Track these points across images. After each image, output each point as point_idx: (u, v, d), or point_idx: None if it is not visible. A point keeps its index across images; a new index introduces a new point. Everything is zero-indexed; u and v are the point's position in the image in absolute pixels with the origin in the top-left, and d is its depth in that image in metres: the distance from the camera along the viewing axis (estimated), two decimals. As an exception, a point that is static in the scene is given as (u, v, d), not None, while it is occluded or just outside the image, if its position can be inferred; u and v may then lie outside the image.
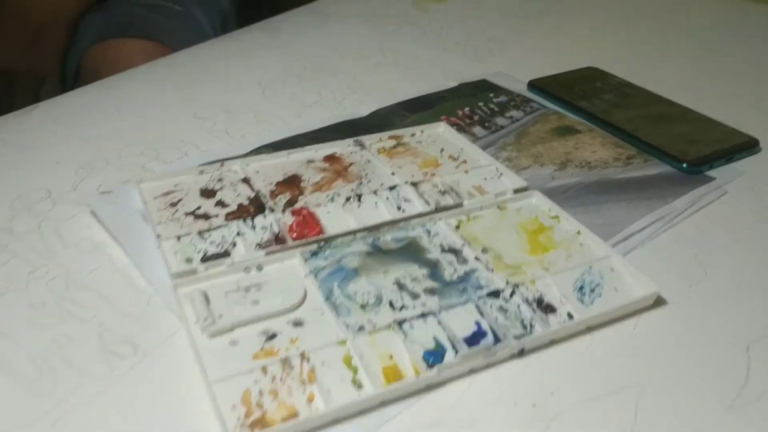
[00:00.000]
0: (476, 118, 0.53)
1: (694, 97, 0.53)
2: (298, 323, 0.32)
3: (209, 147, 0.46)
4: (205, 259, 0.35)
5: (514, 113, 0.54)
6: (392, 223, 0.39)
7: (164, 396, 0.27)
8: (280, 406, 0.27)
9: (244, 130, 0.49)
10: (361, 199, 0.41)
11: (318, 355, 0.30)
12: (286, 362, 0.29)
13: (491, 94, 0.56)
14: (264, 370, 0.28)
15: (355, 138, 0.47)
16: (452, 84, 0.57)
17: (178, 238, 0.36)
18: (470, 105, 0.54)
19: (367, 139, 0.48)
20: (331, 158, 0.46)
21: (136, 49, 0.55)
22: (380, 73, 0.59)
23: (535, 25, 0.67)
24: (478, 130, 0.51)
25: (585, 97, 0.54)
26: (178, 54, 0.58)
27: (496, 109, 0.54)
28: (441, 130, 0.50)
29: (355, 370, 0.29)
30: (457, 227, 0.39)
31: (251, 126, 0.49)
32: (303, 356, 0.29)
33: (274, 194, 0.42)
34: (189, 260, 0.34)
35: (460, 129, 0.51)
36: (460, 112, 0.53)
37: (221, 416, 0.26)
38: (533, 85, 0.56)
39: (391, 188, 0.42)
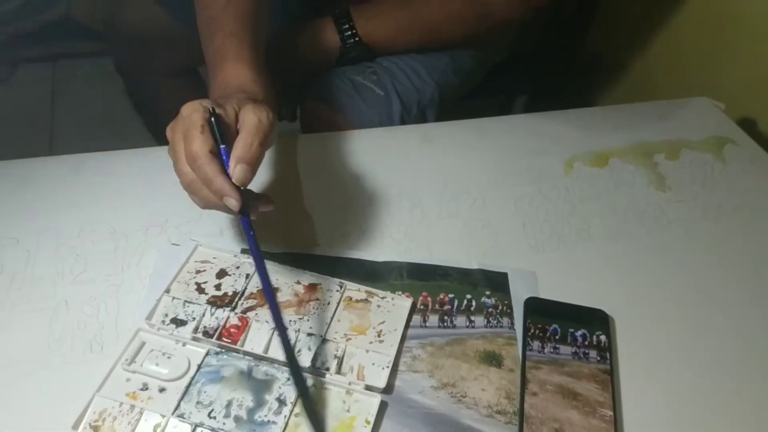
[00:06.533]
0: (446, 308, 0.55)
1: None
2: (162, 389, 0.47)
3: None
4: (171, 321, 0.50)
5: (478, 320, 0.54)
6: (277, 361, 0.49)
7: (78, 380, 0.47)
8: (111, 427, 0.44)
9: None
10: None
11: (148, 414, 0.45)
12: (133, 407, 0.45)
13: (487, 292, 0.56)
14: (122, 404, 0.45)
15: (341, 281, 0.54)
16: (472, 266, 0.59)
17: (172, 298, 0.52)
18: (458, 294, 0.56)
19: (350, 285, 0.54)
20: (310, 287, 0.54)
21: (330, 116, 0.80)
22: (450, 224, 0.63)
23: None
24: (433, 319, 0.54)
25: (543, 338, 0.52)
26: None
27: (472, 307, 0.55)
28: (404, 304, 0.54)
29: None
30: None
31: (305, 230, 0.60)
32: (141, 411, 0.45)
33: (248, 296, 0.53)
34: (165, 315, 0.51)
35: (421, 311, 0.54)
36: (441, 296, 0.56)
37: (83, 413, 0.44)
38: (529, 302, 0.55)
39: (309, 335, 0.50)
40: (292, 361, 0.46)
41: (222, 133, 0.47)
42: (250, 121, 0.47)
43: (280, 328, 0.46)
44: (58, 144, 1.62)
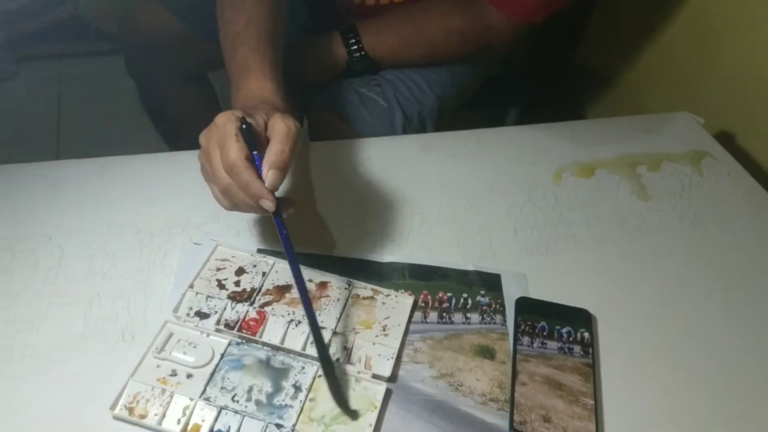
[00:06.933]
0: (445, 306, 0.59)
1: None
2: (189, 375, 0.51)
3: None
4: (196, 314, 0.54)
5: (474, 317, 0.58)
6: (293, 352, 0.53)
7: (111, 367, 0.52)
8: (144, 408, 0.48)
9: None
10: (298, 326, 0.54)
11: (178, 397, 0.49)
12: (164, 391, 0.49)
13: (482, 291, 0.60)
14: (154, 388, 0.49)
15: (349, 280, 0.58)
16: (468, 267, 0.63)
17: (196, 293, 0.56)
18: (455, 293, 0.60)
19: (357, 284, 0.58)
20: (321, 285, 0.58)
21: (337, 125, 0.85)
22: (448, 228, 0.68)
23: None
24: (433, 316, 0.58)
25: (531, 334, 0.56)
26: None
27: (468, 305, 0.59)
28: (407, 302, 0.58)
29: (187, 417, 0.48)
30: (320, 376, 0.51)
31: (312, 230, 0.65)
32: (171, 394, 0.49)
33: (265, 292, 0.56)
34: (190, 308, 0.55)
35: (422, 309, 0.58)
36: (440, 294, 0.60)
37: (119, 395, 0.48)
38: (520, 301, 0.59)
39: (321, 328, 0.52)
40: (318, 338, 0.50)
41: (253, 141, 0.50)
42: (281, 129, 0.51)
43: (308, 309, 0.51)
44: (64, 141, 1.66)
